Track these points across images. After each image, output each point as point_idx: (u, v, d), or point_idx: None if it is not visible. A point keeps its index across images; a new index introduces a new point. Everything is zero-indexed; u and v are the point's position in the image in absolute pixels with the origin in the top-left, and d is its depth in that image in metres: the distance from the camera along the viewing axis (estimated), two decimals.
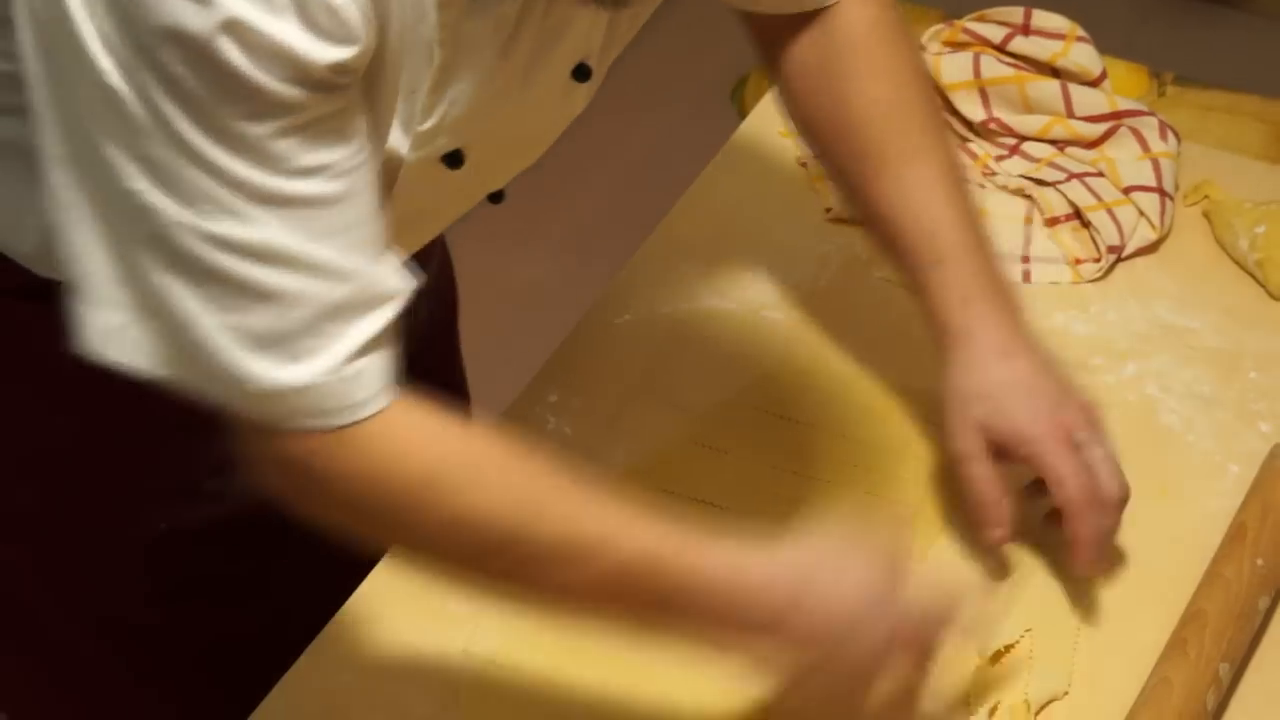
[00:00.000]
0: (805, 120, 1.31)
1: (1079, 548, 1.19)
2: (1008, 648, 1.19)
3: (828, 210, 1.49)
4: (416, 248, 1.18)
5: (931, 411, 1.29)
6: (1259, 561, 1.20)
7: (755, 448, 1.32)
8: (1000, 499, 1.21)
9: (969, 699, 1.16)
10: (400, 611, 1.23)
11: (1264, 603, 1.19)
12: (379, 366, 0.99)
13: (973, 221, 1.25)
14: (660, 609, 1.03)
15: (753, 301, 1.42)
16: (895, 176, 1.25)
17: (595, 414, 1.32)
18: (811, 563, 1.05)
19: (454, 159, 1.09)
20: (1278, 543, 1.22)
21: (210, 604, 1.34)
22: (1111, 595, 1.23)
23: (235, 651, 1.32)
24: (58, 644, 1.34)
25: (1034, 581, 1.24)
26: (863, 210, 1.28)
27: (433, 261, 1.39)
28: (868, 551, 1.07)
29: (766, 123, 1.53)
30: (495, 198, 1.22)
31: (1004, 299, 1.24)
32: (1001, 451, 1.21)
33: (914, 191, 1.24)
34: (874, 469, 1.31)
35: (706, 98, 2.96)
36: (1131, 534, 1.25)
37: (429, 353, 1.32)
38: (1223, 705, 1.16)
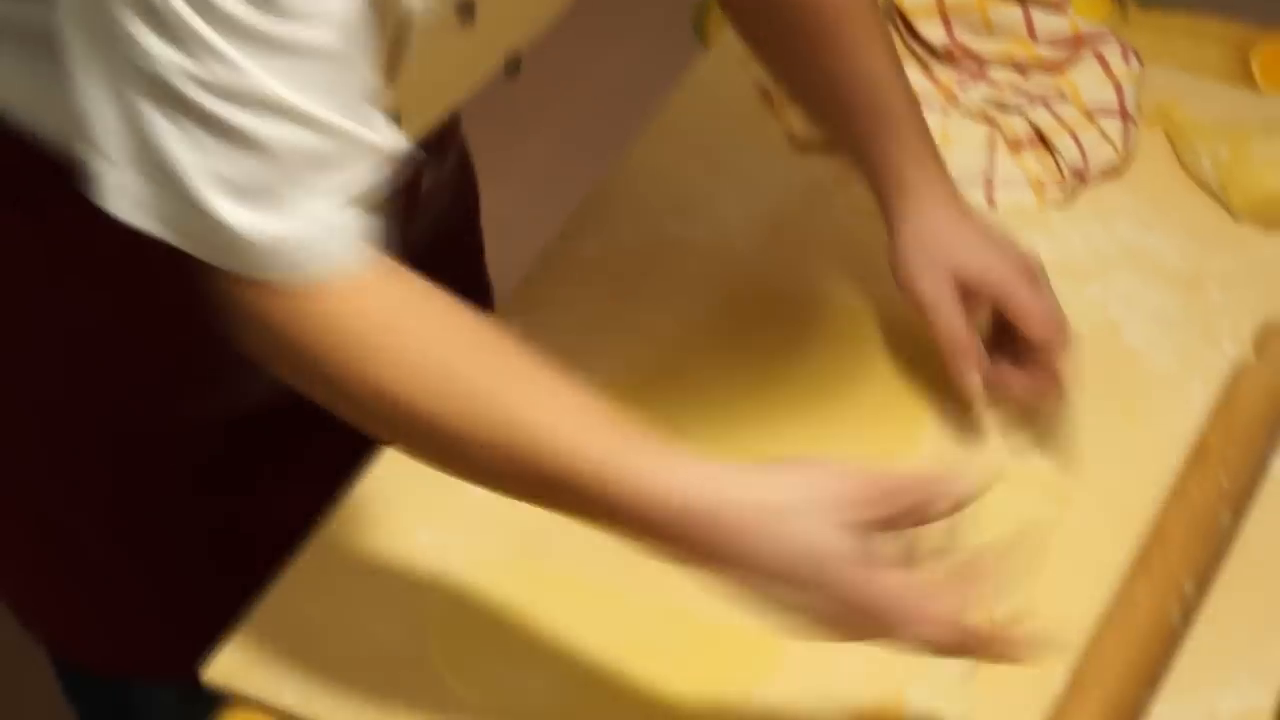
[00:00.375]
0: (743, 12, 1.31)
1: (1045, 380, 1.22)
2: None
3: (791, 136, 1.49)
4: (432, 123, 1.18)
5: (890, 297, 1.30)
6: (1223, 480, 1.20)
7: (721, 374, 1.32)
8: (973, 345, 1.23)
9: None
10: (369, 541, 1.23)
11: (1228, 520, 1.20)
12: (356, 225, 0.99)
13: (913, 93, 1.28)
14: (591, 518, 1.01)
15: (718, 229, 1.42)
16: (844, 42, 1.26)
17: (559, 344, 1.29)
18: (749, 493, 0.99)
19: (466, 9, 1.08)
20: (1240, 462, 1.22)
21: (229, 496, 1.34)
22: (1076, 516, 1.23)
23: (245, 544, 1.32)
24: (61, 529, 1.35)
25: (999, 503, 1.19)
26: (806, 78, 1.29)
27: (451, 153, 1.39)
28: (822, 486, 1.00)
29: (728, 50, 1.52)
30: (512, 70, 1.21)
31: (944, 164, 1.28)
32: (965, 295, 1.23)
33: (863, 57, 1.26)
34: (840, 392, 1.31)
35: (670, 28, 2.94)
36: (1095, 454, 1.26)
37: (449, 248, 1.33)
38: (1188, 622, 1.16)
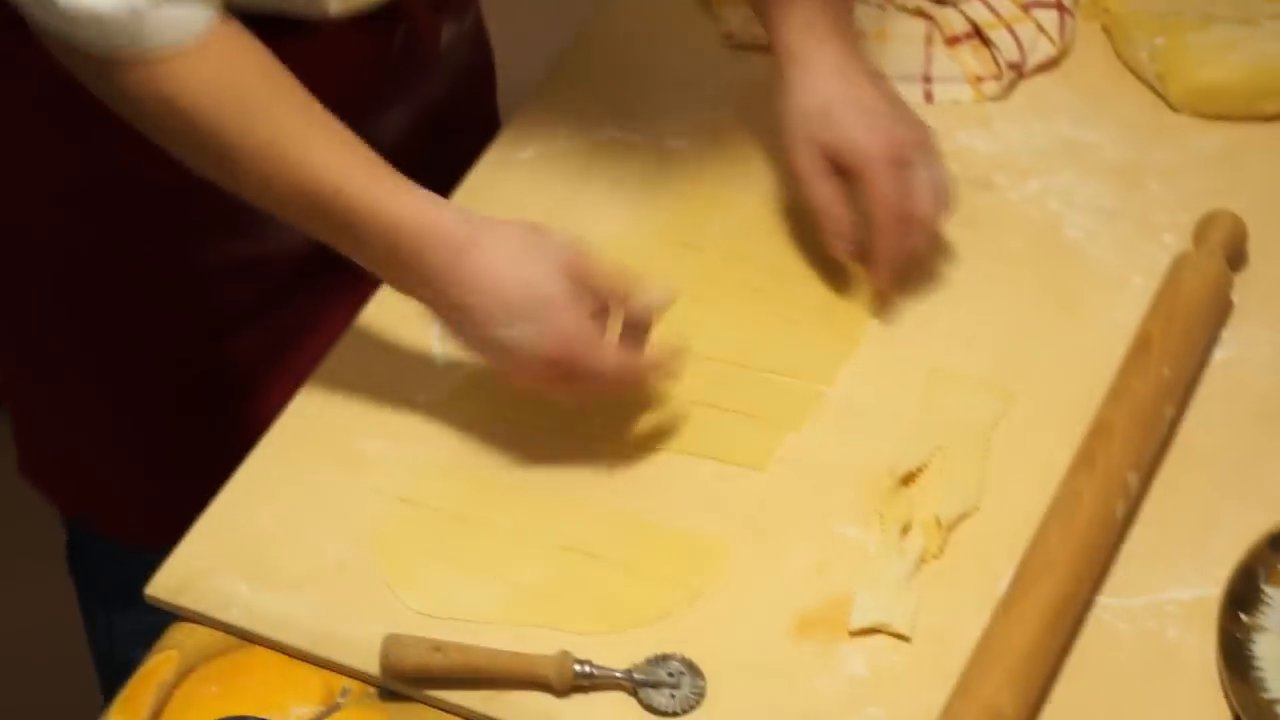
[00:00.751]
0: None
1: (879, 263, 1.25)
2: (919, 468, 1.20)
3: (728, 36, 1.48)
4: None
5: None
6: (1164, 371, 1.21)
7: (661, 276, 1.28)
8: (839, 212, 1.25)
9: (881, 519, 1.17)
10: (310, 454, 1.23)
11: (1170, 412, 1.21)
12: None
13: None
14: (343, 234, 1.14)
15: (656, 131, 1.41)
16: None
17: None
18: (494, 232, 1.14)
19: None
20: (1182, 352, 1.23)
21: (241, 339, 1.36)
22: (1020, 410, 1.24)
23: (243, 388, 1.36)
24: (66, 373, 1.39)
25: (943, 402, 1.24)
26: None
27: (470, 11, 1.41)
28: (555, 248, 1.15)
29: None
30: None
31: (844, 28, 1.29)
32: (840, 168, 1.25)
33: None
34: (777, 293, 1.31)
35: None
36: (1037, 349, 1.27)
37: (467, 105, 1.36)
38: (1131, 514, 1.17)
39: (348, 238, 1.15)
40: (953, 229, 1.34)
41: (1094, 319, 1.29)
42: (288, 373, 1.30)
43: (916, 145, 1.25)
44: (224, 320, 1.36)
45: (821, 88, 1.26)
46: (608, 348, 1.16)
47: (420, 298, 1.16)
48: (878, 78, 1.29)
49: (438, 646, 1.10)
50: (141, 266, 1.32)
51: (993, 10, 1.46)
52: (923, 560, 1.15)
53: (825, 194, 1.25)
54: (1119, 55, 1.47)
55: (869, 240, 1.25)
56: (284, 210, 1.15)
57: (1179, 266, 1.28)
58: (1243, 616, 1.11)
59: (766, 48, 1.33)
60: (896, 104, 1.28)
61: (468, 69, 1.45)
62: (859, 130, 1.24)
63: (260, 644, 1.14)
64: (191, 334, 1.36)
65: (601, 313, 1.16)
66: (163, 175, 1.19)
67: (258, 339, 1.37)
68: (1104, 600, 1.13)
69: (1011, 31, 1.45)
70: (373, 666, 1.10)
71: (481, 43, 1.51)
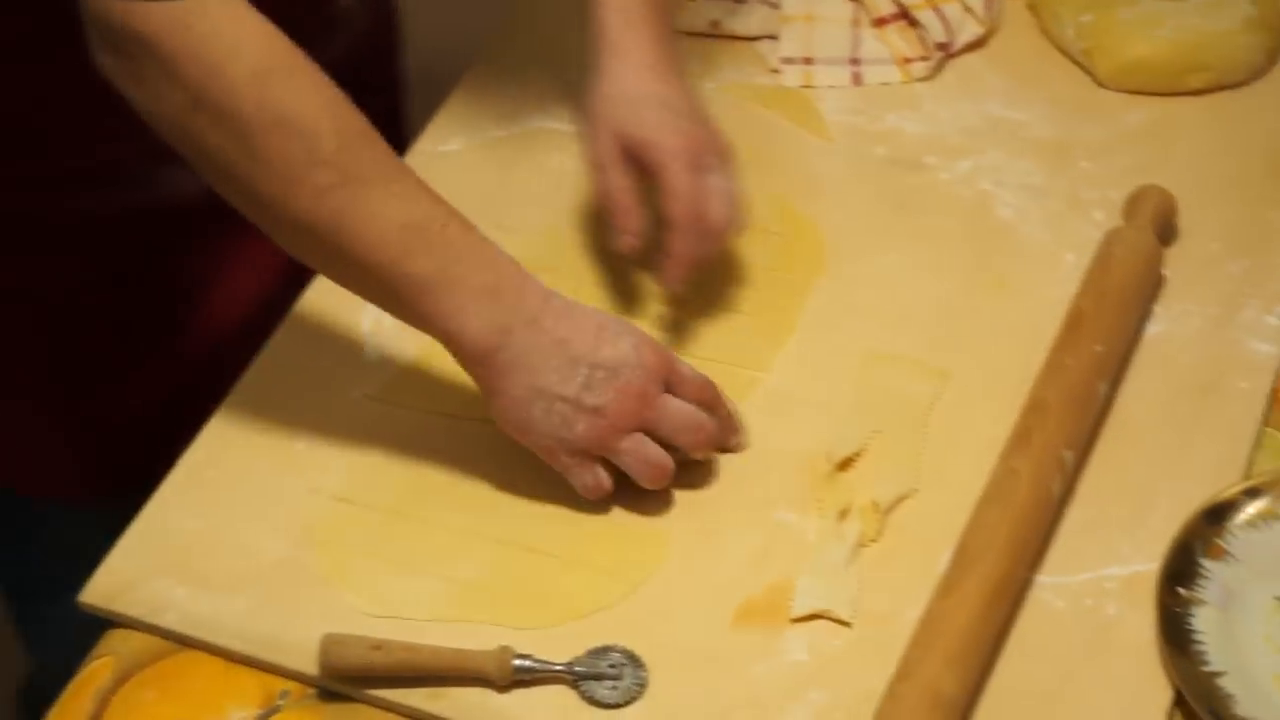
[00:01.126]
0: None
1: (670, 263, 1.24)
2: (857, 453, 1.20)
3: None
4: None
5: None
6: (1097, 347, 1.21)
7: (593, 264, 1.32)
8: (631, 206, 1.24)
9: (820, 505, 1.17)
10: (244, 453, 1.22)
11: (1103, 388, 1.21)
12: None
13: None
14: (430, 261, 1.10)
15: (580, 119, 1.38)
16: None
17: None
18: (571, 306, 1.14)
19: None
20: (1114, 327, 1.23)
21: (121, 291, 1.35)
22: (956, 390, 1.24)
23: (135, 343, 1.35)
24: None
25: (879, 385, 1.24)
26: None
27: None
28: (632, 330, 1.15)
29: None
30: None
31: (664, 31, 1.29)
32: (637, 163, 1.24)
33: None
34: (712, 279, 1.30)
35: None
36: (971, 328, 1.27)
37: (368, 72, 1.32)
38: (1068, 491, 1.17)
39: (450, 267, 1.12)
40: (885, 211, 1.34)
41: (1027, 297, 1.29)
42: (191, 328, 1.29)
43: (716, 152, 1.25)
44: (119, 269, 1.35)
45: (633, 81, 1.26)
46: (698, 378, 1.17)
47: (495, 341, 1.13)
48: (685, 79, 1.29)
49: (378, 645, 1.09)
50: (21, 219, 1.30)
51: None
52: (861, 544, 1.15)
53: (620, 186, 1.24)
54: (1046, 33, 1.48)
55: (664, 240, 1.24)
56: (374, 241, 1.11)
57: (1109, 242, 1.28)
58: (1181, 591, 1.12)
59: (708, 34, 1.33)
60: (700, 108, 1.28)
61: (369, 29, 1.44)
62: (664, 130, 1.24)
63: (197, 648, 1.13)
64: (88, 285, 1.35)
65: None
66: (28, 123, 1.18)
67: (157, 289, 1.36)
68: (1043, 579, 1.14)
69: (938, 12, 1.46)
70: (312, 667, 1.10)
71: (385, 8, 1.50)
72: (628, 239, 1.24)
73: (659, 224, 1.25)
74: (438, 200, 1.12)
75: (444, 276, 1.11)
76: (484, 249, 1.13)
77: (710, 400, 1.17)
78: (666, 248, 1.23)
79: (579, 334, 1.13)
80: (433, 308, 1.12)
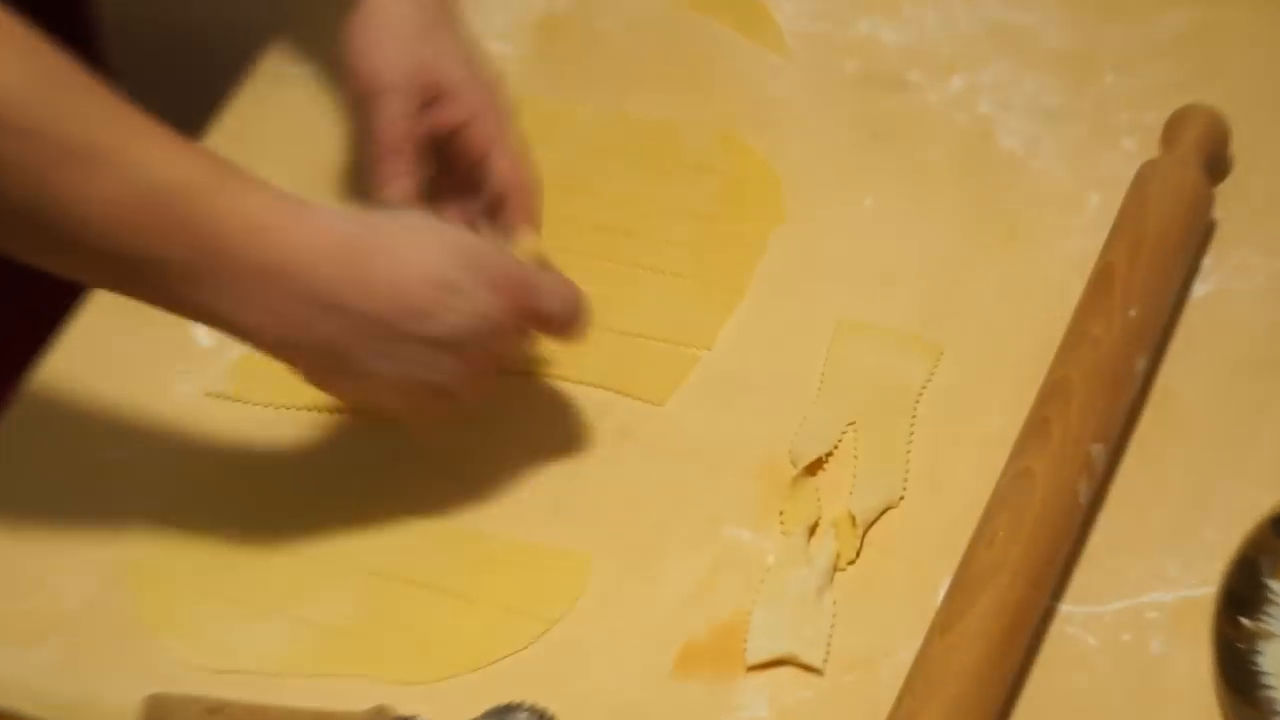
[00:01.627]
0: None
1: (514, 208, 1.23)
2: (827, 453, 1.13)
3: None
4: None
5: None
6: (1131, 312, 1.14)
7: None
8: (405, 146, 1.23)
9: (782, 519, 1.11)
10: (38, 470, 1.18)
11: (1142, 363, 1.14)
12: None
13: None
14: (185, 247, 1.05)
15: (478, 32, 1.35)
16: None
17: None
18: (375, 229, 1.10)
19: None
20: (1153, 287, 1.17)
21: None
22: (952, 369, 1.18)
23: None
24: None
25: (855, 365, 1.18)
26: None
27: None
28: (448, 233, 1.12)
29: None
30: None
31: None
32: (427, 102, 1.24)
33: None
34: (632, 232, 1.28)
35: None
36: (971, 291, 1.24)
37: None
38: (1099, 496, 1.11)
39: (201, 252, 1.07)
40: (858, 143, 1.30)
41: (1040, 250, 1.24)
42: None
43: (505, 105, 1.26)
44: None
45: (411, 8, 1.27)
46: (555, 280, 1.15)
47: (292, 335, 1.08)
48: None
49: (216, 708, 1.03)
50: None
51: None
52: (835, 569, 1.09)
53: (401, 120, 1.23)
54: None
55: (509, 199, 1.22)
56: (97, 227, 1.06)
57: (1145, 179, 1.21)
58: (1244, 621, 1.05)
59: None
60: (482, 60, 1.28)
61: None
62: (464, 70, 1.24)
63: None
64: None
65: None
66: None
67: None
68: (1068, 608, 1.07)
69: None
70: None
71: None
72: (398, 185, 1.22)
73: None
74: (198, 156, 1.07)
75: (207, 260, 1.06)
76: (261, 215, 1.08)
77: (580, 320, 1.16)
78: (512, 208, 1.22)
79: (398, 305, 1.09)
80: (199, 298, 1.07)
